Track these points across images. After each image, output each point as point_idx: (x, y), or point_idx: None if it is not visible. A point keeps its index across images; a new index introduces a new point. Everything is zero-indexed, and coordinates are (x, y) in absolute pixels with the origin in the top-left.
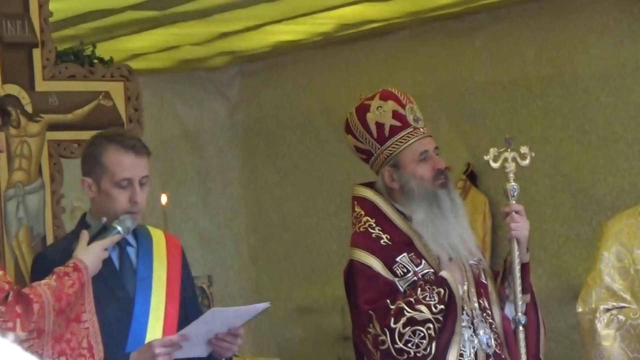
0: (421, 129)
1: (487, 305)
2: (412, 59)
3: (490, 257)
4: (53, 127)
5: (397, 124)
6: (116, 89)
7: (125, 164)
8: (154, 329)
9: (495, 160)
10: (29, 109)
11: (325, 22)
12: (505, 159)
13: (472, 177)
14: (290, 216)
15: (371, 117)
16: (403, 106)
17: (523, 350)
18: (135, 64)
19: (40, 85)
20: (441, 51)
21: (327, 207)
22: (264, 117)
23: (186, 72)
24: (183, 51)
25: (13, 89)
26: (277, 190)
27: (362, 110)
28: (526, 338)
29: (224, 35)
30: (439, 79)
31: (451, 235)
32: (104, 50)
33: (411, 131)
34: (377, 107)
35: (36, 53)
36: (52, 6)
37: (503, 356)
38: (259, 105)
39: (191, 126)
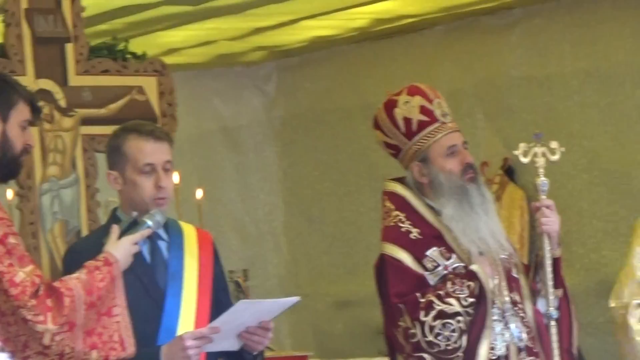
0: (449, 124)
1: (518, 299)
2: (448, 54)
3: (527, 252)
4: (87, 121)
5: (425, 118)
6: (149, 84)
7: (146, 149)
8: (185, 323)
9: (525, 155)
10: (62, 103)
11: (360, 17)
12: (535, 154)
13: (509, 172)
14: (329, 211)
15: (399, 113)
16: (430, 101)
17: (555, 345)
18: (171, 59)
19: (74, 80)
20: (477, 47)
21: (366, 201)
22: (301, 112)
23: (223, 68)
24: (219, 46)
25: (46, 84)
26: (316, 184)
27: (390, 105)
28: (559, 332)
29: (260, 30)
30: (475, 74)
31: (481, 230)
32: (139, 45)
33: (439, 126)
34: (405, 103)
35: (69, 48)
36: (87, 1)
37: (535, 350)
38: (297, 100)
39: (229, 121)
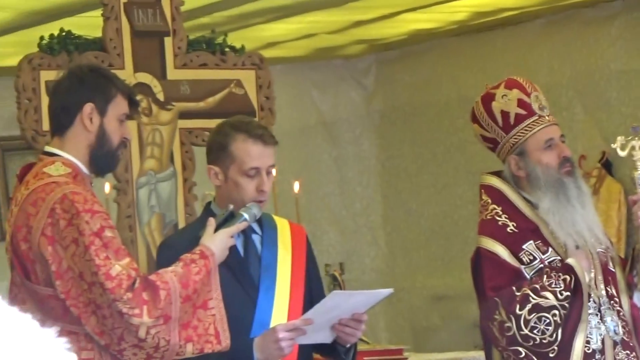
0: (546, 117)
1: (614, 293)
2: (547, 47)
3: (625, 245)
4: (184, 115)
5: (522, 112)
6: (248, 77)
7: (253, 153)
8: (279, 316)
9: (622, 148)
10: (160, 97)
11: (460, 11)
12: (633, 147)
13: (607, 165)
14: (427, 204)
15: (496, 106)
16: (528, 94)
17: None
18: (270, 52)
19: (172, 74)
20: (576, 39)
21: (464, 195)
22: (400, 106)
23: (323, 61)
24: (319, 39)
25: (145, 78)
26: (414, 178)
27: (488, 99)
28: None
29: (360, 23)
30: (574, 67)
31: (578, 223)
32: (238, 38)
33: (536, 119)
34: (502, 96)
35: (168, 42)
36: None
37: (631, 344)
38: (395, 93)
39: (327, 115)
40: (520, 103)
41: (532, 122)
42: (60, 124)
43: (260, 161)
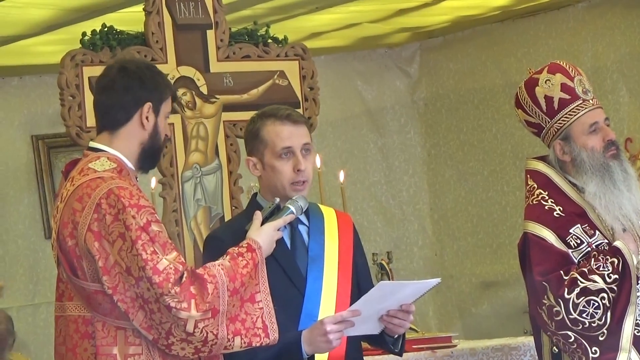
0: (590, 101)
1: None
2: (590, 30)
3: None
4: (228, 107)
5: (566, 96)
6: (291, 68)
7: (283, 133)
8: (327, 307)
9: None
10: (204, 90)
11: None
12: None
13: None
14: (474, 191)
15: (540, 91)
16: (571, 78)
17: None
18: (313, 43)
19: (215, 67)
20: (620, 22)
21: (511, 181)
22: (445, 93)
23: (366, 50)
24: (362, 29)
25: (188, 71)
26: (460, 165)
27: (531, 84)
28: None
29: (403, 11)
30: (618, 50)
31: (624, 207)
32: (281, 29)
33: (580, 103)
34: (546, 81)
35: (210, 34)
36: None
37: None
38: (440, 81)
39: (372, 104)
40: (564, 87)
41: (576, 106)
42: (115, 121)
43: (291, 140)
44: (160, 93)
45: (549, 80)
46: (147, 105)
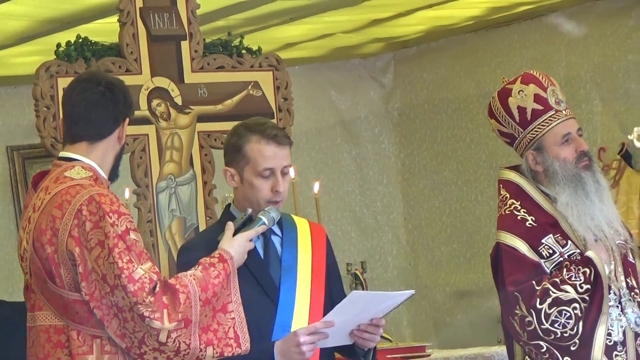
0: (563, 112)
1: (635, 284)
2: (564, 40)
3: None
4: (203, 118)
5: (539, 107)
6: (265, 79)
7: (267, 154)
8: (300, 318)
9: (639, 139)
10: (178, 101)
11: (476, 6)
12: None
13: (627, 157)
14: (449, 201)
15: (513, 102)
16: (544, 89)
17: None
18: (287, 54)
19: (189, 77)
20: (593, 31)
21: (485, 191)
22: (419, 103)
23: (340, 60)
24: (336, 39)
25: (162, 82)
26: (435, 175)
27: (504, 94)
28: None
29: (376, 21)
30: (592, 59)
31: (597, 217)
32: (255, 40)
33: (553, 114)
34: (519, 91)
35: (184, 45)
36: None
37: None
38: (414, 91)
39: (346, 114)
40: (537, 98)
41: (549, 117)
42: (100, 133)
43: (274, 162)
44: (131, 108)
45: (522, 90)
46: (127, 120)
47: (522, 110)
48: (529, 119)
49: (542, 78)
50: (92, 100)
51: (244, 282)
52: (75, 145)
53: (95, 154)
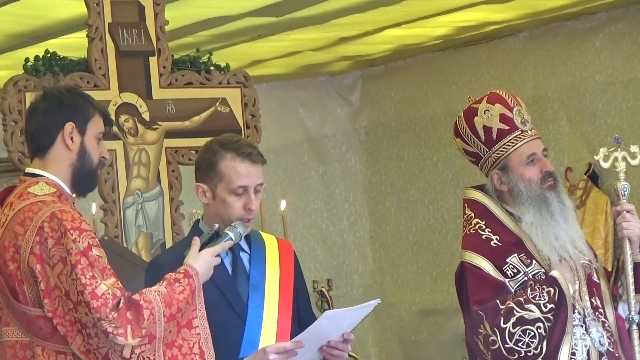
0: (529, 132)
1: (599, 304)
2: (532, 60)
3: (612, 257)
4: (170, 134)
5: (505, 127)
6: (233, 96)
7: (242, 172)
8: (268, 334)
9: (605, 160)
10: (146, 117)
11: (443, 25)
12: (616, 159)
13: (593, 177)
14: (415, 219)
15: (479, 121)
16: (510, 109)
17: (637, 349)
18: (255, 71)
19: (157, 93)
20: (561, 52)
21: (451, 209)
22: (386, 121)
23: (308, 78)
24: (304, 57)
25: (130, 98)
26: (401, 193)
27: (470, 114)
28: None
29: (344, 40)
30: (559, 80)
31: (561, 238)
32: (223, 57)
33: (519, 134)
34: (485, 111)
35: (152, 61)
36: (169, 14)
37: (617, 354)
38: (381, 109)
39: (314, 131)
40: (503, 118)
41: (515, 137)
42: (41, 145)
43: (248, 180)
44: (82, 112)
45: (488, 110)
46: (69, 126)
47: (487, 129)
48: (494, 138)
49: (508, 98)
50: (30, 113)
51: (212, 299)
52: (33, 162)
53: (50, 167)
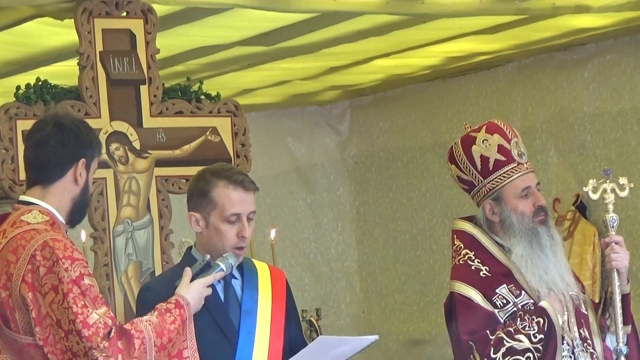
0: (525, 165)
1: (587, 335)
2: (520, 91)
3: (600, 288)
4: (161, 163)
5: (502, 158)
6: (223, 125)
7: (234, 199)
8: None
9: (594, 191)
10: (136, 145)
11: (433, 56)
12: (604, 190)
13: (581, 208)
14: (403, 249)
15: (476, 150)
16: (508, 141)
17: None
18: (245, 100)
19: (148, 122)
20: (550, 83)
21: (439, 240)
22: (375, 151)
23: (297, 107)
24: (294, 86)
25: (121, 126)
26: (389, 223)
27: (468, 141)
28: None
29: (334, 69)
30: (547, 110)
31: (550, 272)
32: (213, 86)
33: (515, 166)
34: (483, 141)
35: (143, 90)
36: (160, 43)
37: None
38: (370, 139)
39: (302, 161)
40: (501, 149)
41: (511, 169)
42: (50, 176)
43: (241, 207)
44: (93, 150)
45: (486, 140)
46: (82, 162)
47: (484, 159)
48: (490, 168)
49: (507, 129)
50: (40, 142)
51: (204, 325)
52: (32, 189)
53: (50, 197)
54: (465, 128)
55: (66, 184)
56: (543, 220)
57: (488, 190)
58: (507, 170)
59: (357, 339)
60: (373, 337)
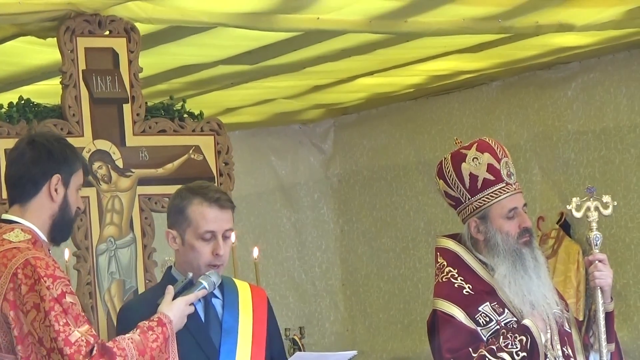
0: (513, 185)
1: (571, 353)
2: (504, 109)
3: (584, 306)
4: (144, 181)
5: (491, 177)
6: (206, 143)
7: (209, 217)
8: None
9: (578, 209)
10: (119, 164)
11: (416, 74)
12: (588, 208)
13: (565, 226)
14: (387, 267)
15: (466, 167)
16: (499, 160)
17: None
18: (229, 118)
19: (131, 140)
20: (533, 101)
21: (423, 258)
22: (358, 170)
23: (281, 126)
24: (277, 104)
25: (104, 145)
26: (373, 241)
27: (458, 158)
28: None
29: (317, 88)
30: (531, 128)
31: (533, 293)
32: (196, 104)
33: (503, 186)
34: (473, 159)
35: (126, 108)
36: (143, 62)
37: None
38: (354, 157)
39: (286, 179)
40: (490, 168)
41: (499, 189)
42: (25, 193)
43: (216, 225)
44: (69, 165)
45: (476, 158)
46: (56, 178)
47: (473, 177)
48: (479, 187)
49: (498, 148)
50: (15, 160)
51: (184, 345)
52: (13, 208)
53: (30, 215)
54: (456, 143)
55: (43, 201)
56: (527, 241)
57: (475, 208)
58: (495, 190)
59: (334, 354)
60: (351, 353)
